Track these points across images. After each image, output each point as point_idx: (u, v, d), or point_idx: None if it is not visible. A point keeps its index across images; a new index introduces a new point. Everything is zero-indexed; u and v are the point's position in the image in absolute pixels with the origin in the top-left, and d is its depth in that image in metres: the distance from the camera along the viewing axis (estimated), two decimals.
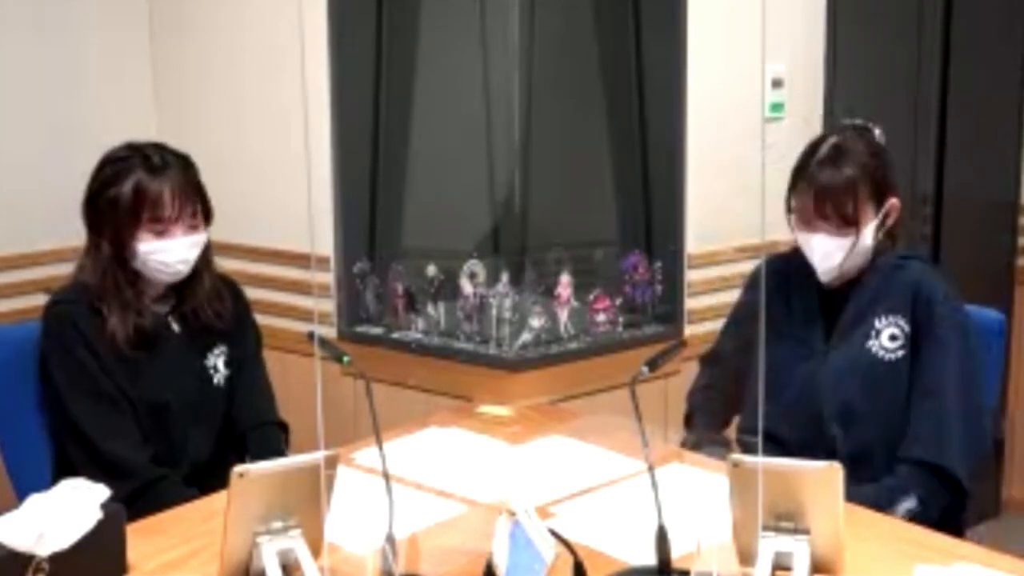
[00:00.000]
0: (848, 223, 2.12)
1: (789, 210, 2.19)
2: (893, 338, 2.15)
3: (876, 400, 2.15)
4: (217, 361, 2.30)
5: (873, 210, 2.14)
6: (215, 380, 2.30)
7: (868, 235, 2.14)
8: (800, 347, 2.22)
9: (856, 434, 2.14)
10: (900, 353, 2.14)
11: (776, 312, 2.21)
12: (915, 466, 2.07)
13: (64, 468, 2.13)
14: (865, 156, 2.15)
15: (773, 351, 2.11)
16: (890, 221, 2.18)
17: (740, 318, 2.42)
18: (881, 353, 2.15)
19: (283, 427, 2.41)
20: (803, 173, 2.17)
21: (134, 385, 2.17)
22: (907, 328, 2.14)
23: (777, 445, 2.15)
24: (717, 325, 2.51)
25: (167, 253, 2.16)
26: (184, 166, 2.21)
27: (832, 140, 2.18)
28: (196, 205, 2.20)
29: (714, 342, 2.47)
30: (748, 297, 2.42)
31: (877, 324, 2.16)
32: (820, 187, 2.12)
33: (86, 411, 2.13)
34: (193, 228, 2.19)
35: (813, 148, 2.19)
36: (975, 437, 2.10)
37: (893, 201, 2.17)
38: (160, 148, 2.22)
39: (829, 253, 2.14)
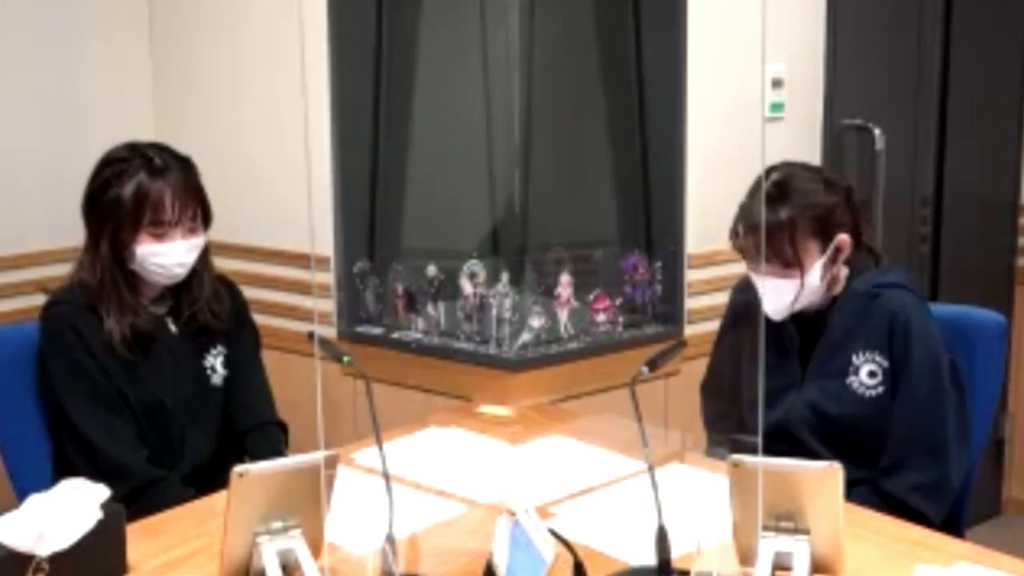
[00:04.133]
0: (788, 265, 2.08)
1: (735, 246, 2.16)
2: (872, 375, 2.12)
3: (859, 435, 2.13)
4: (215, 362, 2.30)
5: (818, 249, 2.09)
6: (213, 381, 2.30)
7: (815, 274, 2.10)
8: (775, 375, 2.18)
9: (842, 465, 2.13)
10: (880, 389, 2.12)
11: (749, 337, 2.19)
12: (867, 490, 2.08)
13: (64, 468, 2.13)
14: (811, 193, 2.10)
15: (750, 375, 2.08)
16: (841, 257, 2.13)
17: (724, 329, 2.40)
18: (861, 390, 2.13)
19: (282, 427, 2.41)
20: (743, 211, 2.13)
21: (131, 386, 2.17)
22: (885, 364, 2.11)
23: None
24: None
25: (165, 256, 2.16)
26: (185, 168, 2.20)
27: (775, 177, 2.11)
28: (196, 208, 2.20)
29: (710, 363, 2.45)
30: (730, 307, 2.40)
31: (855, 360, 2.13)
32: (756, 223, 2.07)
33: (84, 413, 2.13)
34: (192, 232, 2.19)
35: (757, 184, 2.13)
36: (934, 470, 2.08)
37: (842, 238, 2.11)
38: (161, 149, 2.21)
39: (776, 293, 2.11)
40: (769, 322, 2.17)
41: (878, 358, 2.12)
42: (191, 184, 2.19)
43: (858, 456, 2.11)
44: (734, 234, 2.16)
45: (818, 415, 2.15)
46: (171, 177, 2.16)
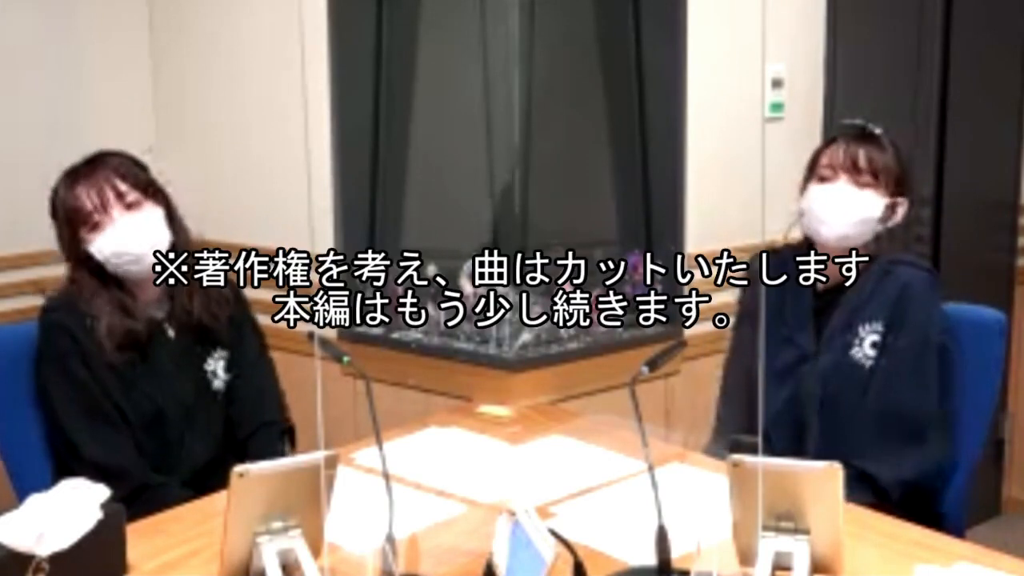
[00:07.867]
0: (873, 176, 2.15)
1: (809, 173, 2.22)
2: (874, 345, 2.15)
3: (859, 407, 2.14)
4: (216, 366, 2.28)
5: (889, 189, 2.18)
6: (214, 385, 2.27)
7: (880, 205, 2.16)
8: (791, 349, 2.21)
9: (837, 440, 2.13)
10: (882, 360, 2.14)
11: (769, 311, 2.20)
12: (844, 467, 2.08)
13: (64, 468, 2.12)
14: (901, 150, 2.25)
15: (766, 351, 2.10)
16: (895, 217, 2.20)
17: (739, 318, 2.40)
18: (864, 361, 2.15)
19: (290, 429, 2.38)
20: (840, 131, 2.24)
21: (129, 393, 2.15)
22: (885, 332, 2.14)
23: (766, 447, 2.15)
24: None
25: (113, 241, 2.13)
26: (101, 158, 2.18)
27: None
28: (121, 186, 2.15)
29: (726, 361, 2.44)
30: (744, 295, 2.41)
31: (861, 332, 2.16)
32: (857, 139, 2.19)
33: (82, 429, 2.11)
34: (131, 207, 2.16)
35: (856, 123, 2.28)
36: (914, 445, 2.09)
37: (903, 200, 2.20)
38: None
39: (844, 204, 2.15)
40: (787, 295, 2.21)
41: (880, 328, 2.15)
42: (111, 167, 2.16)
43: (855, 427, 2.12)
44: (814, 160, 2.25)
45: (824, 385, 2.17)
46: (82, 174, 2.15)
